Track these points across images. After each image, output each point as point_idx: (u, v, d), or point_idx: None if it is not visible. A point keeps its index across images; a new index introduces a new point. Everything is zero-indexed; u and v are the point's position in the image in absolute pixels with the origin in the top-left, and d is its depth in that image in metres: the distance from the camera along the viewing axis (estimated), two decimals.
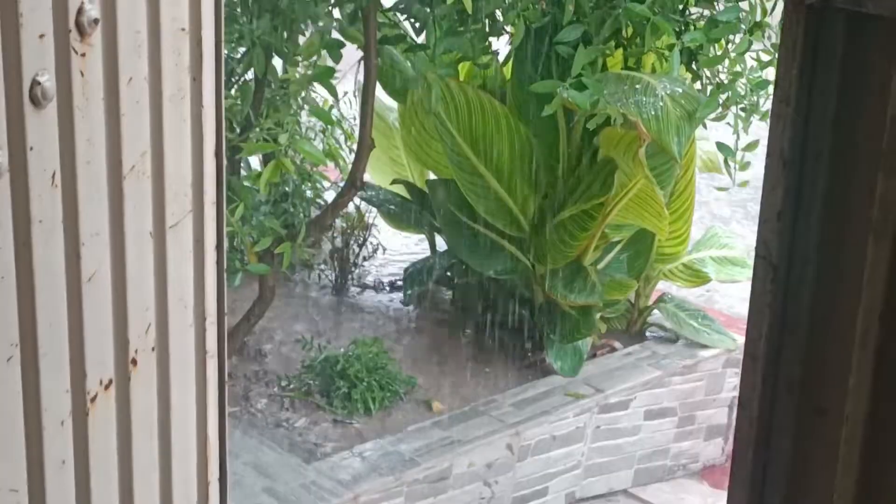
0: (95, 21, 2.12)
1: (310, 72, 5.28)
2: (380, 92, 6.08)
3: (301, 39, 5.20)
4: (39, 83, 2.04)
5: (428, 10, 4.69)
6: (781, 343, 1.71)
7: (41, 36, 2.03)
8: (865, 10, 1.51)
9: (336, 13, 5.01)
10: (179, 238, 2.52)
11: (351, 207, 6.78)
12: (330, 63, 5.57)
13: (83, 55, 2.13)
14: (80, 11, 2.09)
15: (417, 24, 4.82)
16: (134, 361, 2.46)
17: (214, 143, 2.57)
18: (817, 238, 1.64)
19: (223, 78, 2.57)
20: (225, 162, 2.64)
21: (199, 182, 2.54)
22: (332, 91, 4.98)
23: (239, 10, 4.84)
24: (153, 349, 2.51)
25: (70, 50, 2.10)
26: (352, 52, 5.24)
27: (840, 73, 1.57)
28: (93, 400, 2.36)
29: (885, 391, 1.63)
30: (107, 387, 2.39)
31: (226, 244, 4.96)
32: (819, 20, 1.56)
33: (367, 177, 6.71)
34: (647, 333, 6.36)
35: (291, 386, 5.44)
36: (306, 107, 5.37)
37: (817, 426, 1.71)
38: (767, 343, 1.71)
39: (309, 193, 6.65)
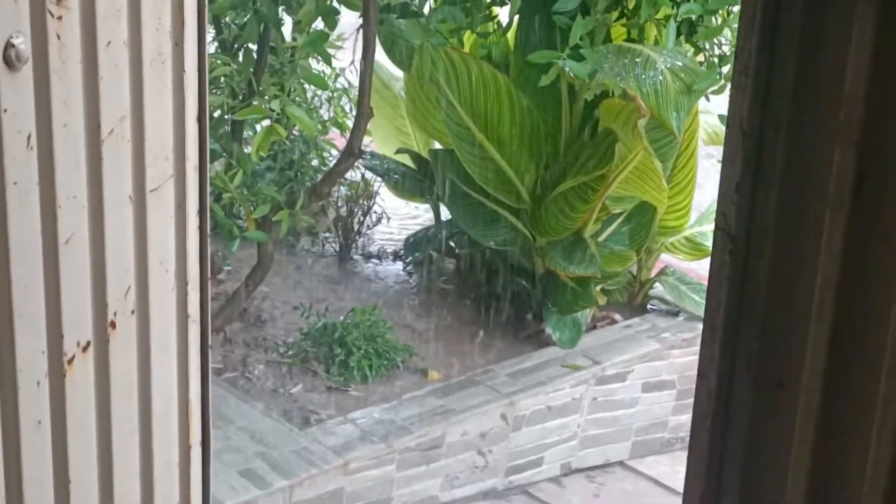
0: None
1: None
2: (387, 61, 6.08)
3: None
4: (14, 45, 2.05)
5: None
6: (740, 315, 1.72)
7: None
8: None
9: None
10: (160, 202, 2.53)
11: (357, 176, 6.79)
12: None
13: (59, 18, 2.14)
14: None
15: None
16: (113, 324, 2.47)
17: (197, 108, 2.58)
18: (775, 210, 1.64)
19: (206, 43, 2.58)
20: (208, 127, 2.64)
21: (181, 147, 2.55)
22: (326, 58, 4.97)
23: None
24: (133, 312, 2.53)
25: (46, 12, 2.11)
26: (359, 18, 5.22)
27: (799, 45, 1.56)
28: (70, 361, 2.38)
29: (841, 364, 1.63)
30: (85, 349, 2.41)
31: (223, 210, 4.99)
32: None
33: (372, 146, 6.73)
34: (649, 306, 6.36)
35: (289, 353, 5.46)
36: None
37: (774, 398, 1.72)
38: (726, 314, 1.71)
39: (315, 162, 6.67)
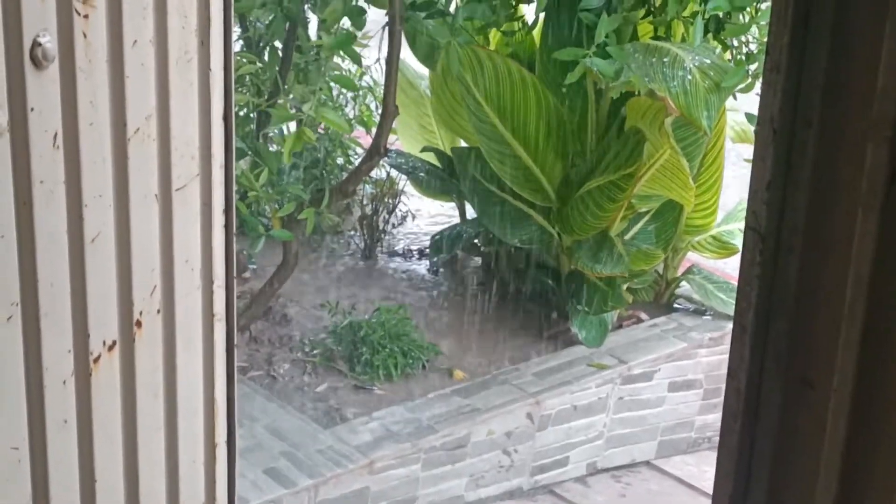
0: None
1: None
2: (413, 59, 6.07)
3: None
4: (40, 44, 2.05)
5: None
6: (770, 314, 1.70)
7: None
8: None
9: None
10: (186, 201, 2.53)
11: (382, 174, 6.79)
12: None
13: (86, 17, 2.14)
14: None
15: None
16: (139, 323, 2.47)
17: (223, 107, 2.58)
18: (806, 209, 1.62)
19: (232, 41, 2.57)
20: (234, 126, 2.64)
21: (207, 145, 2.55)
22: (355, 58, 4.96)
23: None
24: (158, 311, 2.53)
25: (72, 11, 2.11)
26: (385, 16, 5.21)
27: (830, 41, 1.54)
28: (96, 361, 2.38)
29: (872, 364, 1.61)
30: (110, 348, 2.41)
31: (249, 209, 4.99)
32: None
33: (397, 144, 6.73)
34: (675, 305, 6.33)
35: (315, 351, 5.46)
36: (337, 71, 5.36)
37: (805, 398, 1.70)
38: (756, 314, 1.69)
39: (341, 160, 6.67)
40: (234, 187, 2.70)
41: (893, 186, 1.51)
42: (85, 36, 2.14)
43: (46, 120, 2.11)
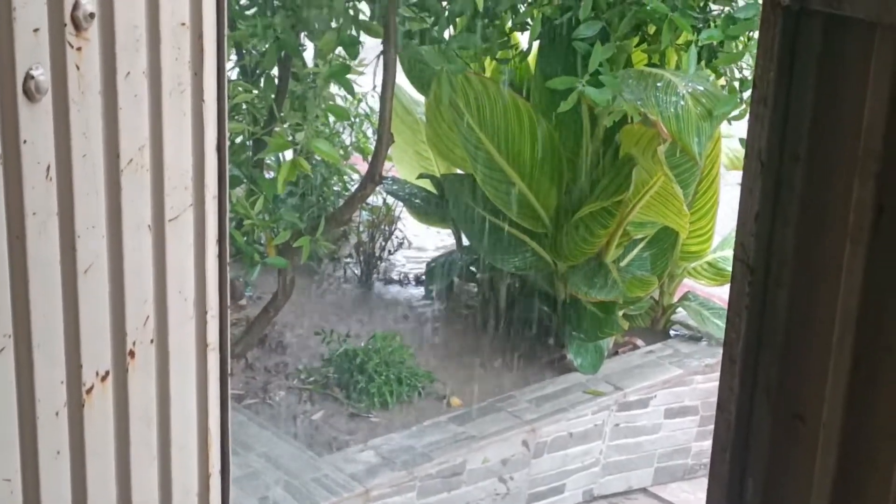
0: (91, 15, 2.13)
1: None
2: (409, 85, 6.09)
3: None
4: (33, 77, 2.05)
5: (443, 4, 4.68)
6: (759, 346, 1.70)
7: (35, 30, 2.04)
8: (842, 13, 1.50)
9: (359, 6, 5.00)
10: (179, 231, 2.53)
11: (378, 201, 6.80)
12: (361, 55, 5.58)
13: (79, 49, 2.14)
14: (75, 6, 2.10)
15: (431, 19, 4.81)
16: (132, 353, 2.47)
17: (216, 138, 2.58)
18: (794, 241, 1.63)
19: (226, 72, 2.58)
20: (227, 156, 2.64)
21: (200, 176, 2.55)
22: (349, 87, 4.98)
23: (259, 5, 4.85)
24: (152, 341, 2.52)
25: (65, 44, 2.11)
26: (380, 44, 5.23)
27: (817, 75, 1.55)
28: (89, 391, 2.38)
29: (861, 396, 1.61)
30: (103, 378, 2.41)
31: (244, 237, 5.00)
32: (796, 22, 1.55)
33: (393, 171, 6.74)
34: (671, 331, 6.33)
35: (310, 378, 5.46)
36: (331, 101, 5.38)
37: (795, 430, 1.70)
38: (745, 346, 1.70)
39: (337, 187, 6.68)
40: (228, 216, 2.71)
41: (880, 220, 1.52)
42: (78, 68, 2.15)
43: (39, 152, 2.11)
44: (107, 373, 2.41)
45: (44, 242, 2.18)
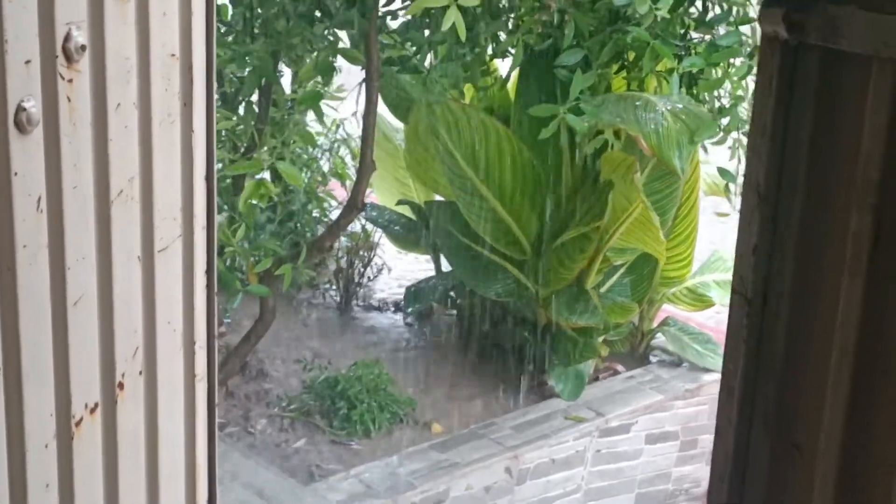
0: (83, 48, 2.13)
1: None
2: (387, 112, 6.10)
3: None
4: (25, 109, 2.05)
5: (425, 33, 4.69)
6: (757, 377, 1.71)
7: (27, 62, 2.04)
8: (840, 48, 1.51)
9: (342, 35, 5.01)
10: (168, 262, 2.52)
11: (357, 227, 6.80)
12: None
13: (70, 81, 2.14)
14: (67, 38, 2.10)
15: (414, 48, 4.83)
16: (121, 385, 2.46)
17: (205, 168, 2.58)
18: (792, 273, 1.64)
19: (215, 103, 2.58)
20: (216, 186, 2.64)
21: (189, 207, 2.54)
22: (320, 115, 5.00)
23: (238, 32, 4.86)
24: (140, 373, 2.51)
25: (57, 76, 2.11)
26: (361, 70, 5.25)
27: (815, 108, 1.57)
28: (78, 423, 2.36)
29: (858, 427, 1.62)
30: (92, 410, 2.40)
31: (225, 264, 4.98)
32: (794, 56, 1.56)
33: (372, 196, 6.74)
34: (651, 357, 6.35)
35: (292, 406, 5.44)
36: (304, 126, 5.39)
37: (792, 460, 1.70)
38: (743, 377, 1.71)
39: (316, 213, 6.67)
40: (216, 247, 2.70)
41: (878, 251, 1.53)
42: (69, 100, 2.14)
43: (30, 184, 2.10)
44: (96, 405, 2.40)
45: (34, 274, 2.16)
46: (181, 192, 2.51)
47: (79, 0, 2.13)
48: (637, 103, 4.83)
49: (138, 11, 2.27)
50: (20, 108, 2.04)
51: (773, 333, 1.67)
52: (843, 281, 1.57)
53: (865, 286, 1.54)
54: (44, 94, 2.10)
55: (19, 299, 2.15)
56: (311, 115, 5.62)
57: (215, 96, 2.64)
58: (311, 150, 6.71)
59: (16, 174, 2.07)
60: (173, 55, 2.39)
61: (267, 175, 5.54)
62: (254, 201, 5.25)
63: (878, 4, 1.44)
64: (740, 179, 5.08)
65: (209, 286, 2.66)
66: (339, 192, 6.50)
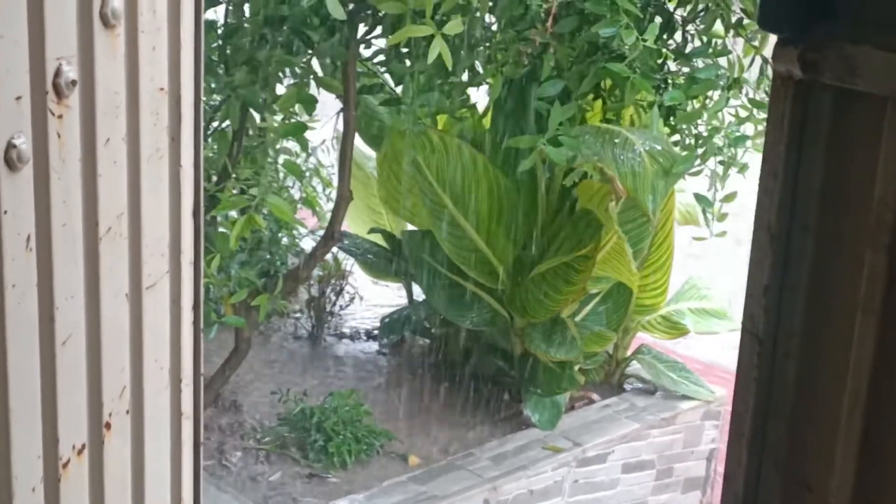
0: (73, 83, 2.09)
1: (288, 121, 5.29)
2: (358, 140, 6.07)
3: (280, 89, 5.20)
4: (15, 146, 2.01)
5: (406, 64, 4.68)
6: (767, 418, 1.69)
7: (17, 98, 2.00)
8: (854, 87, 1.50)
9: (315, 64, 4.99)
10: (156, 299, 2.48)
11: (329, 256, 6.75)
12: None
13: (60, 117, 2.10)
14: (57, 73, 2.06)
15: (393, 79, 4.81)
16: (108, 425, 2.41)
17: (192, 203, 2.55)
18: (804, 314, 1.62)
19: (202, 137, 2.55)
20: (203, 220, 2.61)
21: (177, 242, 2.51)
22: (304, 146, 4.97)
23: (216, 60, 4.82)
24: (127, 412, 2.47)
25: (47, 112, 2.07)
26: (333, 98, 5.22)
27: (827, 148, 1.55)
28: (65, 465, 2.31)
29: (870, 469, 1.60)
30: (80, 452, 2.35)
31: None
32: (807, 95, 1.55)
33: (345, 225, 6.71)
34: (626, 385, 6.34)
35: (267, 439, 5.39)
36: (281, 157, 5.35)
37: (803, 501, 1.68)
38: (753, 418, 1.68)
39: (285, 241, 6.63)
40: (203, 282, 2.67)
41: (892, 292, 1.51)
42: (59, 136, 2.10)
43: (20, 223, 2.06)
44: (83, 446, 2.35)
45: (23, 314, 2.12)
46: (169, 228, 2.48)
47: (68, 34, 2.09)
48: (616, 140, 4.84)
49: (128, 45, 2.24)
50: (10, 146, 2.00)
51: (784, 374, 1.65)
52: (856, 322, 1.55)
53: (879, 328, 1.53)
54: (34, 131, 2.06)
55: (7, 340, 2.11)
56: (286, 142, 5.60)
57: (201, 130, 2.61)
58: (282, 178, 6.68)
59: (6, 212, 2.03)
60: (162, 89, 2.36)
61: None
62: (224, 230, 5.21)
63: (894, 45, 1.43)
64: (717, 205, 5.11)
65: (196, 322, 2.63)
66: (310, 221, 6.46)
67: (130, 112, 2.29)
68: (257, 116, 5.43)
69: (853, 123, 1.52)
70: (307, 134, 6.08)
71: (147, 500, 2.59)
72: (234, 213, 5.78)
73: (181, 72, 2.41)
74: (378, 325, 6.61)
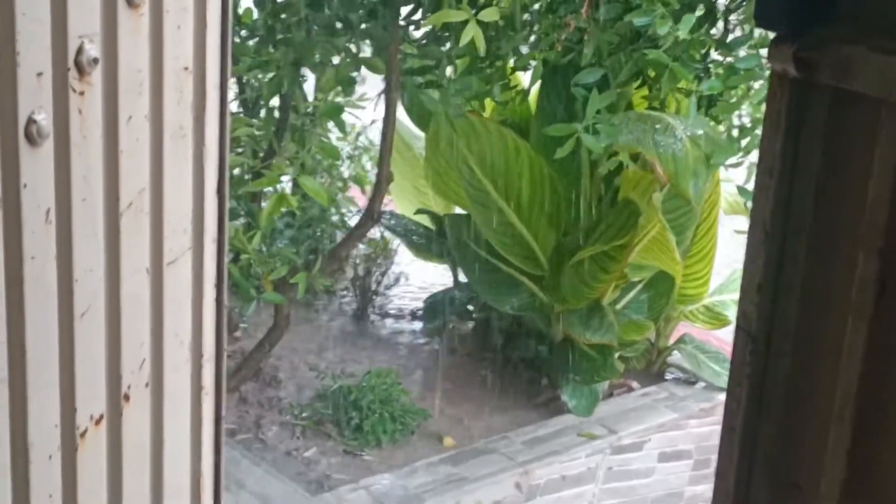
0: (95, 60, 2.13)
1: (337, 99, 5.33)
2: (409, 120, 6.09)
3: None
4: (35, 121, 2.05)
5: (446, 46, 4.69)
6: (759, 415, 1.69)
7: (39, 74, 2.04)
8: (850, 88, 1.49)
9: (361, 43, 5.01)
10: (177, 275, 2.52)
11: (376, 234, 6.79)
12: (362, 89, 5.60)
13: (81, 94, 2.14)
14: (79, 51, 2.10)
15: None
16: (126, 397, 2.46)
17: (216, 181, 2.58)
18: (797, 312, 1.62)
19: (228, 115, 2.58)
20: (228, 199, 2.64)
21: (200, 219, 2.54)
22: (342, 127, 4.99)
23: (261, 38, 4.86)
24: (147, 385, 2.51)
25: (68, 88, 2.11)
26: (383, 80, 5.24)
27: (823, 148, 1.55)
28: (83, 435, 2.36)
29: (860, 470, 1.60)
30: (97, 422, 2.39)
31: (241, 271, 4.99)
32: (803, 95, 1.54)
33: (391, 205, 6.73)
34: (667, 374, 6.32)
35: (304, 414, 5.44)
36: (325, 137, 5.38)
37: (793, 501, 1.69)
38: (745, 415, 1.69)
39: (335, 218, 6.67)
40: (226, 260, 2.70)
41: (883, 296, 1.51)
42: (80, 112, 2.14)
43: (39, 196, 2.10)
44: (101, 416, 2.40)
45: (41, 286, 2.16)
46: (192, 205, 2.51)
47: (92, 13, 2.13)
48: (657, 126, 4.81)
49: (152, 24, 2.27)
50: (31, 121, 2.04)
51: (776, 372, 1.65)
52: (848, 324, 1.55)
53: (870, 330, 1.52)
54: (55, 107, 2.10)
55: (26, 310, 2.15)
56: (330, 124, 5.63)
57: (232, 106, 2.64)
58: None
59: (25, 186, 2.07)
60: (186, 68, 2.39)
61: (289, 183, 5.54)
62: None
63: (891, 48, 1.42)
64: None
65: (219, 299, 2.66)
66: (360, 199, 6.49)
67: (154, 90, 2.32)
68: (311, 96, 5.47)
69: (848, 124, 1.52)
70: (358, 113, 6.13)
71: (166, 472, 2.63)
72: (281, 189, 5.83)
73: (206, 51, 2.43)
74: (422, 305, 6.63)
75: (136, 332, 2.43)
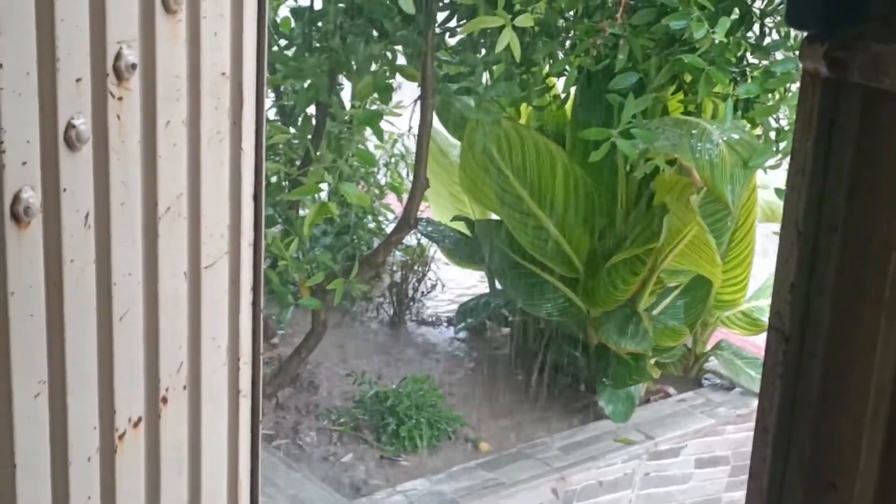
0: (133, 66, 2.16)
1: (373, 107, 5.35)
2: (444, 128, 6.11)
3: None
4: (74, 126, 2.08)
5: (481, 52, 4.70)
6: (793, 416, 1.69)
7: (78, 80, 2.07)
8: (881, 86, 1.49)
9: (396, 49, 5.03)
10: (215, 279, 2.54)
11: (412, 241, 6.81)
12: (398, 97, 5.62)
13: (120, 99, 2.16)
14: (118, 56, 2.13)
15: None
16: (164, 399, 2.48)
17: (253, 186, 2.60)
18: (830, 312, 1.62)
19: (265, 122, 2.60)
20: (264, 204, 2.66)
21: (237, 224, 2.57)
22: (380, 134, 5.02)
23: (298, 46, 4.89)
24: (185, 388, 2.53)
25: (107, 94, 2.14)
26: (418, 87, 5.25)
27: (855, 147, 1.55)
28: (121, 437, 2.39)
29: (895, 469, 1.60)
30: (136, 424, 2.42)
31: (279, 277, 5.01)
32: (835, 94, 1.54)
33: (427, 212, 6.76)
34: (703, 380, 6.30)
35: (341, 420, 5.46)
36: (362, 145, 5.41)
37: (827, 502, 1.68)
38: (778, 415, 1.69)
39: (372, 225, 6.70)
40: (263, 264, 2.72)
41: None
42: (119, 118, 2.17)
43: (79, 200, 2.13)
44: (139, 418, 2.42)
45: (81, 289, 2.19)
46: (229, 209, 2.53)
47: (130, 20, 2.16)
48: (693, 131, 4.80)
49: (189, 31, 2.30)
50: (70, 126, 2.07)
51: (810, 372, 1.65)
52: (881, 324, 1.54)
53: None
54: (94, 112, 2.13)
55: (66, 313, 2.18)
56: (369, 130, 5.65)
57: (270, 112, 2.67)
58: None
59: (65, 190, 2.10)
60: (223, 74, 2.42)
61: (325, 188, 5.56)
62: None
63: None
64: None
65: (255, 303, 2.68)
66: (396, 206, 6.52)
67: (191, 96, 2.34)
68: (347, 104, 5.49)
69: (880, 123, 1.52)
70: (395, 121, 6.15)
71: (203, 474, 2.66)
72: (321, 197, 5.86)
73: (243, 57, 2.46)
74: (458, 311, 6.64)
75: (173, 335, 2.46)
